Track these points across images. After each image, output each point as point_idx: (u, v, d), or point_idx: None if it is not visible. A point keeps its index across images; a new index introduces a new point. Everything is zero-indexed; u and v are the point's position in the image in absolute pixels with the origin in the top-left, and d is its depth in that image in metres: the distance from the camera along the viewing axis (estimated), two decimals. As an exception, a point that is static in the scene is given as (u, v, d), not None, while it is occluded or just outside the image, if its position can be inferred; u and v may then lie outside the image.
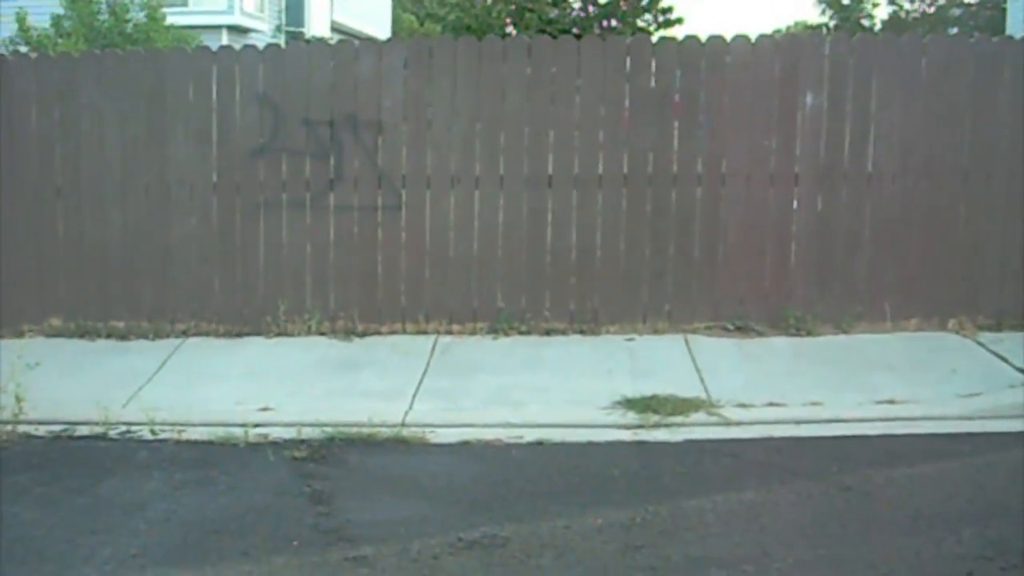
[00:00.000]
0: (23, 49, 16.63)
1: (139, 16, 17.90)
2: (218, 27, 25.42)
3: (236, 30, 26.50)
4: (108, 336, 9.18)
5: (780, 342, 8.71)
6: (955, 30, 32.71)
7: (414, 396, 7.69)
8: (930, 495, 5.82)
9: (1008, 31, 24.42)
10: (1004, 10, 28.16)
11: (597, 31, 20.58)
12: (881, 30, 34.01)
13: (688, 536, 5.26)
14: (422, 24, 38.06)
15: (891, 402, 7.34)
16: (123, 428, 7.12)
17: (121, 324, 9.22)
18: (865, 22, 37.34)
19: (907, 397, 7.40)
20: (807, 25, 40.16)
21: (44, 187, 9.29)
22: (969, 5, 34.93)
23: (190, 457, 6.59)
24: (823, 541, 5.19)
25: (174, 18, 19.62)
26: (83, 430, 7.08)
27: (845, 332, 8.88)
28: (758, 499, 5.73)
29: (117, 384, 7.96)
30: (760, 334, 8.86)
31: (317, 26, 30.99)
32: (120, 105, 9.24)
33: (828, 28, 35.86)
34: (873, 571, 4.87)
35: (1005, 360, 8.09)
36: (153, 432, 7.01)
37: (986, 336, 8.68)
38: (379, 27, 35.35)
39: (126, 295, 9.27)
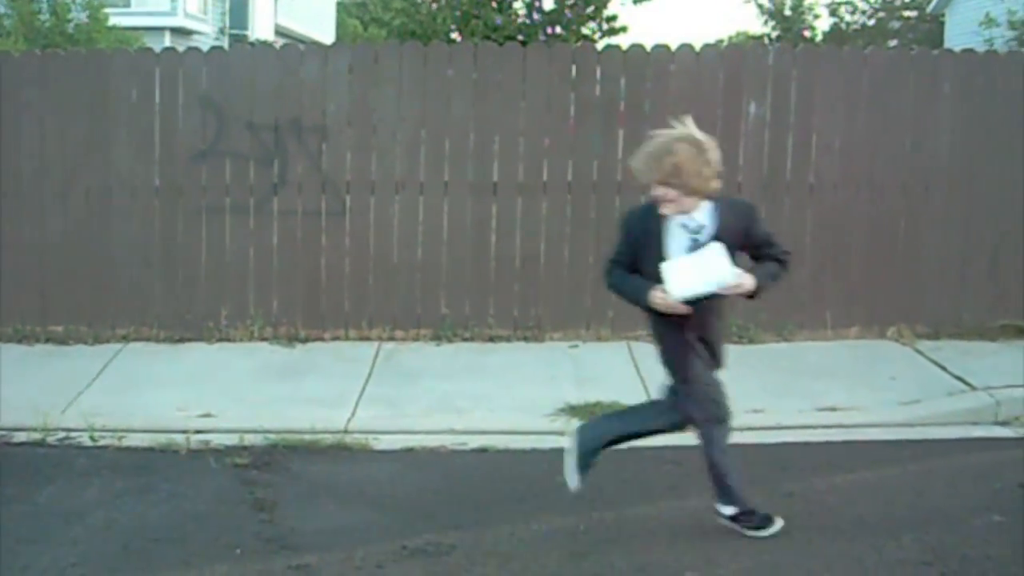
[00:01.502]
0: (-39, 49, 16.40)
1: (81, 16, 17.74)
2: (161, 29, 25.27)
3: (179, 32, 26.32)
4: (47, 341, 9.06)
5: (723, 350, 8.75)
6: (895, 42, 33.11)
7: (357, 403, 7.66)
8: (871, 501, 5.89)
9: (947, 44, 24.82)
10: (942, 23, 28.58)
11: (542, 38, 20.58)
12: (823, 42, 34.34)
13: (633, 543, 5.28)
14: (366, 29, 37.97)
15: (832, 409, 7.41)
16: (62, 434, 7.03)
17: (60, 329, 9.10)
18: (807, 33, 37.67)
19: (848, 404, 7.49)
20: (750, 36, 40.43)
21: (-18, 189, 9.15)
22: (908, 18, 35.36)
23: (130, 464, 6.52)
24: (766, 547, 5.22)
25: (116, 19, 19.46)
26: (21, 436, 6.98)
27: (787, 340, 8.96)
28: (701, 506, 5.74)
29: (56, 390, 7.84)
30: (703, 342, 8.89)
31: (261, 29, 30.86)
32: (61, 106, 9.12)
33: (770, 39, 36.13)
34: (815, 578, 4.92)
35: (943, 368, 8.20)
36: (93, 438, 6.93)
37: (925, 344, 8.81)
38: (323, 31, 35.25)
39: (66, 300, 9.14)
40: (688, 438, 6.90)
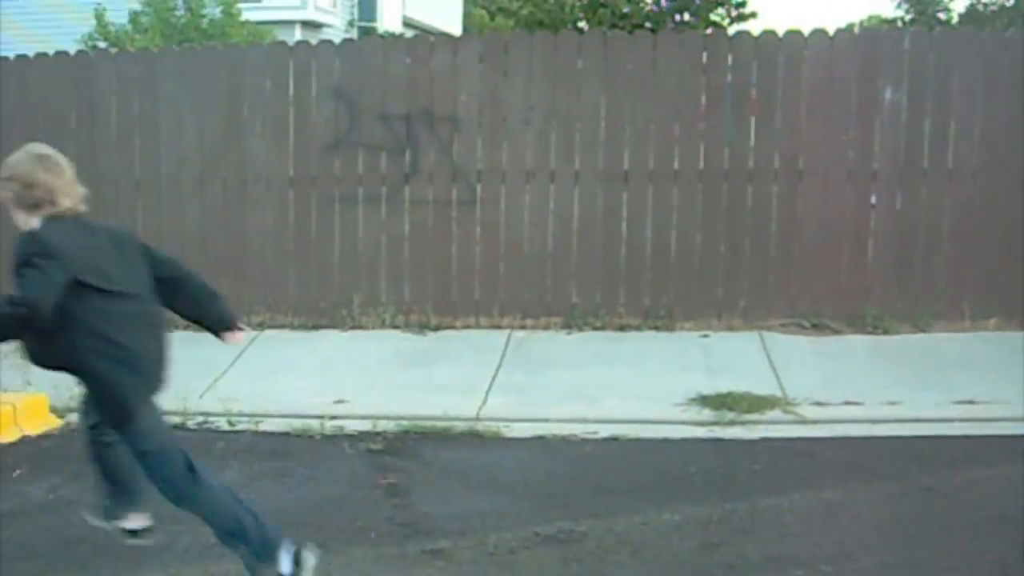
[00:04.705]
0: (102, 45, 16.87)
1: (214, 12, 18.07)
2: (291, 22, 25.63)
3: (309, 25, 26.69)
4: (185, 328, 9.12)
5: (857, 340, 8.62)
6: (1035, 24, 32.13)
7: (488, 390, 7.71)
8: (1012, 497, 5.72)
9: (1091, 25, 23.95)
10: (1086, 3, 27.63)
11: (670, 26, 20.44)
12: (959, 24, 33.49)
13: (766, 535, 5.22)
14: (493, 19, 38.08)
15: (971, 402, 7.23)
16: (200, 418, 7.22)
17: (198, 316, 9.29)
18: (942, 16, 36.80)
19: (987, 398, 7.29)
20: (882, 19, 39.67)
21: (123, 180, 9.41)
22: (1049, -2, 34.29)
23: (267, 448, 6.67)
24: (903, 542, 5.12)
25: (248, 14, 19.76)
26: (162, 420, 7.16)
27: (923, 331, 8.76)
28: (836, 498, 5.67)
29: (193, 375, 7.95)
30: (836, 332, 8.77)
31: (389, 21, 31.14)
32: (197, 100, 9.34)
33: (904, 22, 35.38)
34: (954, 574, 4.80)
35: (1088, 361, 7.94)
36: (230, 423, 7.10)
37: (1068, 336, 8.53)
38: (450, 22, 35.42)
39: (203, 287, 9.33)
40: (821, 429, 6.84)
